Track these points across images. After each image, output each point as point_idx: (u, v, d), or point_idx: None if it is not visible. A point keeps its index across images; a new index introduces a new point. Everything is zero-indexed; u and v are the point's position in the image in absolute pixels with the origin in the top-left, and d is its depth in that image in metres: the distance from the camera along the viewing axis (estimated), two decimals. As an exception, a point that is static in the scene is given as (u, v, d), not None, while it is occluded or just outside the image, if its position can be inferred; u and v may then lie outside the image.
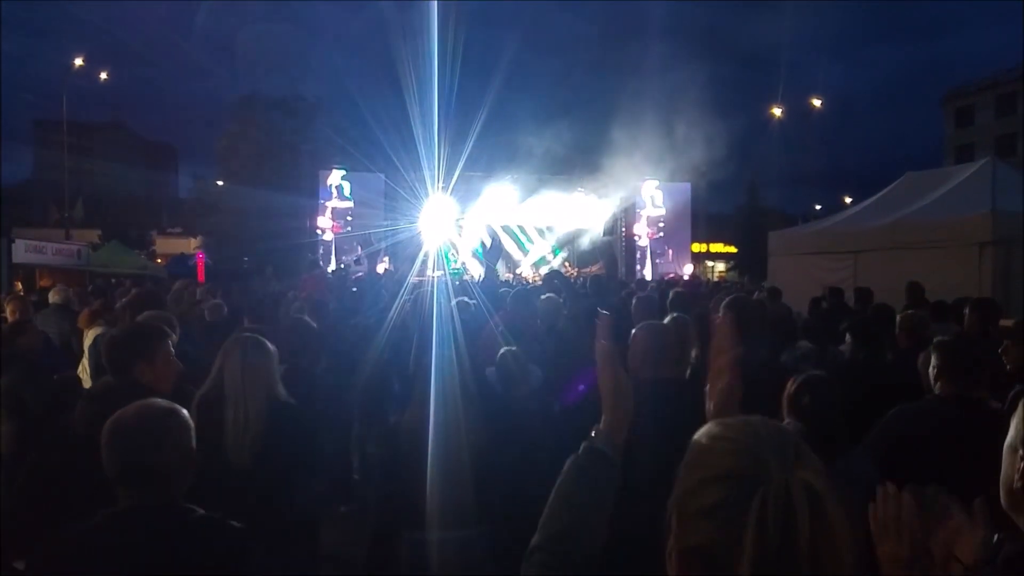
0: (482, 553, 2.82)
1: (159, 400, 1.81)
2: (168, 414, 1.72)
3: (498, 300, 6.11)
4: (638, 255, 23.94)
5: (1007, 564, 1.04)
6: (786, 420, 2.64)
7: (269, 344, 2.89)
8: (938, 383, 2.66)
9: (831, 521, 0.79)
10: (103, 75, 28.82)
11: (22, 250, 14.14)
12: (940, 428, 2.47)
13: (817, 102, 28.76)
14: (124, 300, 5.70)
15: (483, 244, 22.41)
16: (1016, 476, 1.10)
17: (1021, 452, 1.10)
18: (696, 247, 25.19)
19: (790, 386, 2.66)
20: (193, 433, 1.76)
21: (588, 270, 20.65)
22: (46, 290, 9.50)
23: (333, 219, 22.54)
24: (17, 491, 2.27)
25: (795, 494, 0.79)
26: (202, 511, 1.68)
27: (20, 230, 18.76)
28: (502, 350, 3.74)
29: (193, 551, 1.58)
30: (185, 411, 1.79)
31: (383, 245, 22.43)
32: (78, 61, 26.42)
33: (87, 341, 5.48)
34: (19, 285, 11.97)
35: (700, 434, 0.90)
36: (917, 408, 2.65)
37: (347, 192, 22.70)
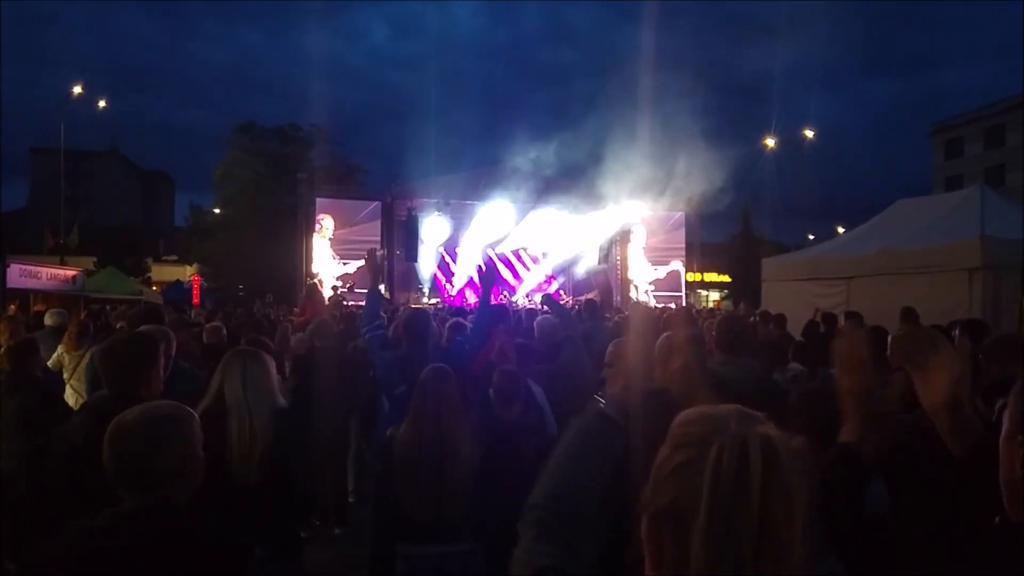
0: (479, 567, 2.81)
1: (164, 403, 1.81)
2: (172, 418, 1.72)
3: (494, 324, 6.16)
4: (632, 283, 24.08)
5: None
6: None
7: (267, 356, 2.91)
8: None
9: (784, 470, 0.81)
10: (101, 103, 28.98)
11: (17, 275, 14.13)
12: (930, 440, 2.50)
13: (810, 133, 29.17)
14: (128, 315, 5.74)
15: (479, 269, 22.48)
16: (1017, 463, 1.12)
17: (1020, 438, 1.13)
18: (690, 276, 25.28)
19: (792, 398, 2.70)
20: (200, 438, 1.76)
21: (583, 298, 20.73)
22: (40, 314, 9.49)
23: (330, 247, 22.61)
24: (18, 502, 2.27)
25: (750, 444, 0.82)
26: (203, 514, 1.68)
27: (15, 256, 18.74)
28: (498, 368, 3.77)
29: (193, 554, 1.57)
30: (195, 414, 1.79)
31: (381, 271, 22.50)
32: (76, 89, 26.57)
33: (69, 363, 5.47)
34: (14, 308, 11.95)
35: (677, 417, 0.93)
36: (910, 422, 2.67)
37: (343, 219, 22.80)
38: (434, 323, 4.89)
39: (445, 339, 6.23)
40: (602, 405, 1.32)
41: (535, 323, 5.62)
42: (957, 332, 5.31)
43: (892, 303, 7.27)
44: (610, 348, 3.11)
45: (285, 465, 2.76)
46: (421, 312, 4.99)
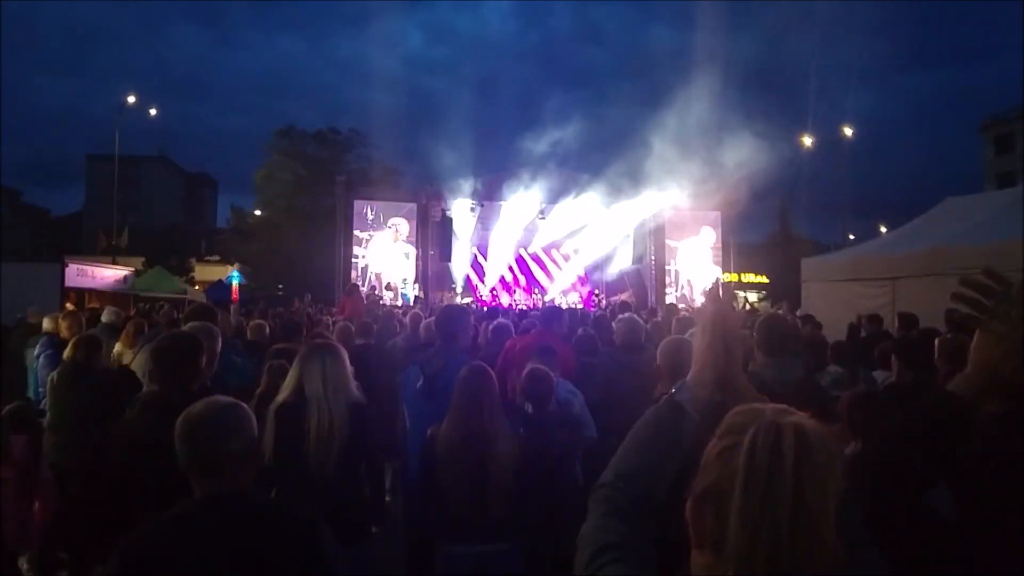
0: (518, 567, 2.83)
1: (222, 397, 1.92)
2: (233, 407, 1.84)
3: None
4: (668, 283, 23.78)
5: None
6: (852, 443, 2.65)
7: (343, 350, 3.01)
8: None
9: (816, 452, 0.85)
10: (152, 111, 30.04)
11: (74, 274, 14.76)
12: (990, 450, 2.43)
13: (849, 130, 28.46)
14: (185, 313, 6.08)
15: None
16: None
17: None
18: (727, 277, 24.84)
19: (844, 401, 2.67)
20: (255, 423, 1.86)
21: (617, 298, 20.60)
22: (94, 311, 9.89)
23: (367, 247, 22.85)
24: (77, 495, 2.39)
25: (784, 428, 0.86)
26: (271, 499, 1.78)
27: (71, 257, 19.53)
28: (529, 366, 3.79)
29: (267, 536, 1.68)
30: (244, 405, 1.89)
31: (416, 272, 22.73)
32: (130, 99, 27.69)
33: (125, 358, 5.70)
34: (71, 305, 12.50)
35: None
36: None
37: (381, 220, 23.01)
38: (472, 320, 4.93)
39: (482, 339, 6.28)
40: (677, 394, 1.35)
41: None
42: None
43: (939, 305, 7.05)
44: (669, 344, 3.10)
45: (360, 458, 2.86)
46: (455, 308, 5.03)
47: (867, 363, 5.45)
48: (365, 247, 22.76)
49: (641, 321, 5.24)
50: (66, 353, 4.58)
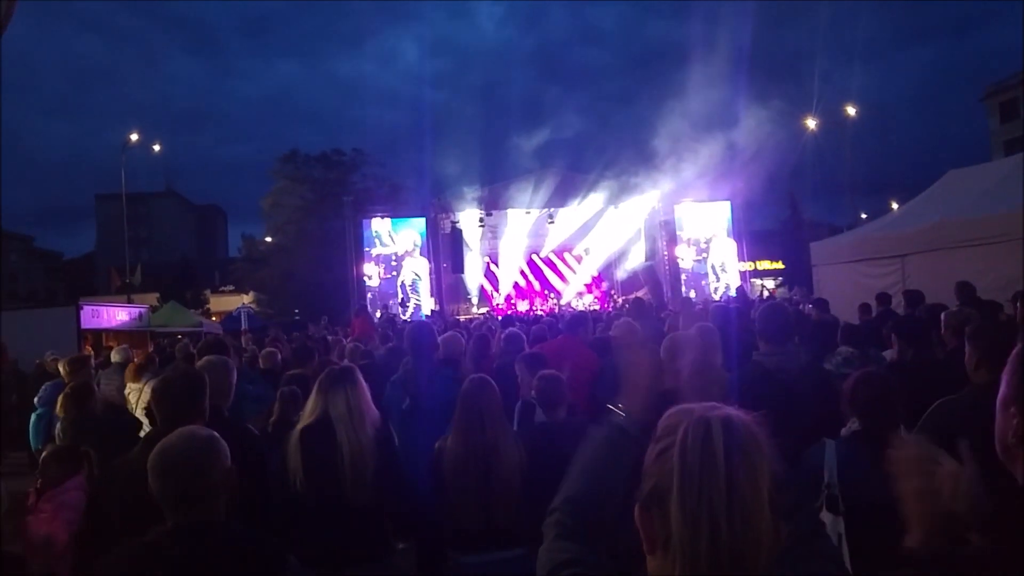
0: (527, 573, 2.85)
1: (199, 429, 1.93)
2: (210, 442, 1.83)
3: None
4: (684, 277, 23.65)
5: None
6: (850, 420, 2.66)
7: (359, 373, 3.06)
8: (979, 372, 2.62)
9: (745, 441, 0.89)
10: (156, 146, 30.36)
11: (89, 316, 14.92)
12: (980, 418, 2.43)
13: (852, 110, 28.24)
14: (196, 347, 6.08)
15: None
16: (1010, 432, 1.15)
17: (1013, 409, 1.15)
18: (743, 265, 24.67)
19: (847, 384, 2.68)
20: (228, 455, 1.86)
21: (633, 296, 20.55)
22: (110, 350, 9.99)
23: (377, 265, 22.97)
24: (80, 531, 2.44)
25: (712, 422, 0.90)
26: (243, 527, 1.82)
27: (86, 298, 19.74)
28: (540, 372, 3.81)
29: (235, 565, 1.71)
30: (219, 436, 1.88)
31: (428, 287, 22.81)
32: (133, 136, 27.98)
33: (132, 393, 5.79)
34: (89, 348, 12.62)
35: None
36: (957, 399, 2.61)
37: (390, 238, 23.12)
38: (447, 334, 4.99)
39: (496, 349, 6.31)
40: (618, 416, 1.38)
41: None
42: (1020, 304, 5.12)
43: (949, 279, 7.01)
44: (669, 340, 3.11)
45: (389, 477, 2.90)
46: (422, 325, 5.09)
47: (878, 342, 5.44)
48: (395, 263, 22.86)
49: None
50: (58, 409, 4.40)
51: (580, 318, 5.99)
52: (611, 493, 1.29)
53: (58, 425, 4.48)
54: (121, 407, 5.67)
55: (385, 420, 3.13)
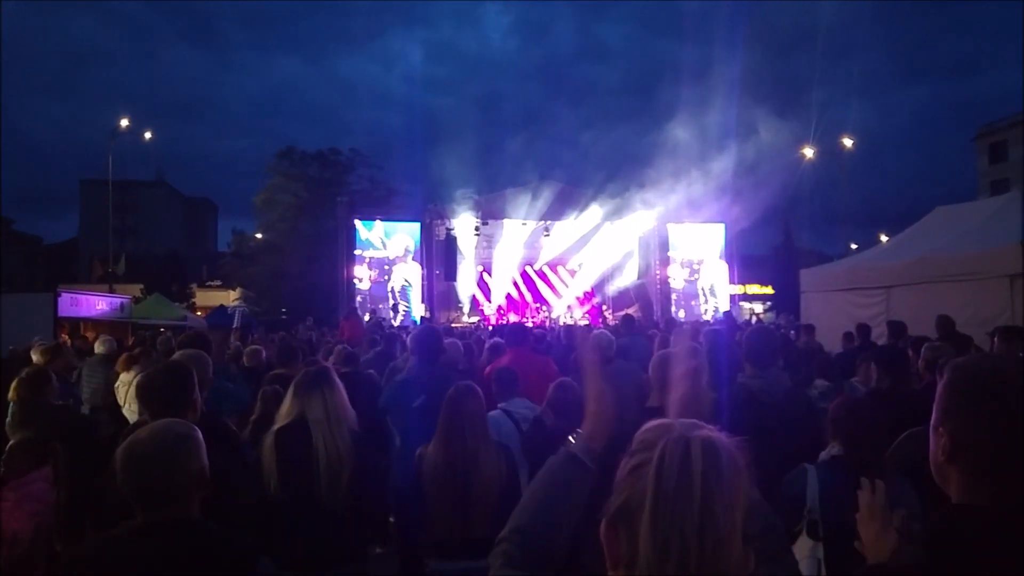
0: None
1: (174, 422, 1.86)
2: (182, 439, 1.77)
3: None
4: (674, 297, 23.76)
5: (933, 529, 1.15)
6: (830, 445, 2.68)
7: (335, 375, 3.02)
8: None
9: (724, 464, 0.86)
10: (147, 135, 29.75)
11: (67, 304, 14.66)
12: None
13: (849, 141, 28.59)
14: (177, 340, 5.91)
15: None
16: (939, 452, 1.17)
17: (941, 429, 1.18)
18: (733, 288, 24.81)
19: (832, 408, 2.71)
20: (204, 450, 1.80)
21: (623, 313, 20.61)
22: (86, 340, 9.76)
23: (369, 268, 22.84)
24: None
25: (692, 442, 0.88)
26: (215, 525, 1.76)
27: (65, 286, 19.42)
28: (556, 381, 3.84)
29: (203, 563, 1.66)
30: (198, 431, 1.83)
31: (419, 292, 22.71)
32: (123, 122, 27.14)
33: (121, 386, 5.68)
34: (66, 337, 12.41)
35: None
36: (923, 431, 2.63)
37: (383, 241, 23.01)
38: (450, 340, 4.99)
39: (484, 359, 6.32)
40: (572, 446, 1.34)
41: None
42: (996, 339, 5.20)
43: (932, 312, 7.11)
44: (657, 358, 3.13)
45: (365, 481, 2.85)
46: (432, 328, 5.09)
47: (852, 373, 5.56)
48: (387, 268, 22.77)
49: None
50: (10, 394, 4.01)
51: (519, 329, 6.06)
52: (561, 525, 1.25)
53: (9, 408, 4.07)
54: (93, 409, 5.48)
55: (383, 420, 3.09)
